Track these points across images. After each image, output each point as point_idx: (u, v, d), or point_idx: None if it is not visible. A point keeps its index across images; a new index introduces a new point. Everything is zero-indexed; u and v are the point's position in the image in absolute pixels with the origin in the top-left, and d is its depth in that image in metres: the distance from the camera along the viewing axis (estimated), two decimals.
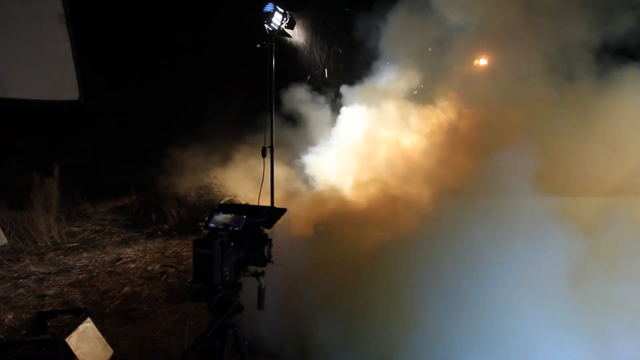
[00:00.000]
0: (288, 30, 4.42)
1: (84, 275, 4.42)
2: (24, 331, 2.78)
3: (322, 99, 6.06)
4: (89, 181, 7.11)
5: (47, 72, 1.63)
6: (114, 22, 8.87)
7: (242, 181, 6.44)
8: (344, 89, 5.95)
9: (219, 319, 1.96)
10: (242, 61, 7.23)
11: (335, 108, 6.03)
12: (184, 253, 5.02)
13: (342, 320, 2.96)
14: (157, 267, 4.59)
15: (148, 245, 5.35)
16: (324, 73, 6.13)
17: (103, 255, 4.99)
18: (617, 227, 3.06)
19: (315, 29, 5.16)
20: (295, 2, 4.55)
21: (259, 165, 4.38)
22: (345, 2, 6.04)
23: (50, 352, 2.56)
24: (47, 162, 5.87)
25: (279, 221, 2.17)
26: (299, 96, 5.90)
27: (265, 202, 4.58)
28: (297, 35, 4.78)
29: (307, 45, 5.27)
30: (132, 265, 4.65)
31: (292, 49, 5.14)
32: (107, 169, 7.87)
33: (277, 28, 4.23)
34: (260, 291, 2.07)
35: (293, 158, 6.06)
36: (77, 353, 2.63)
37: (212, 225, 2.00)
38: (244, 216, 2.02)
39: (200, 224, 5.64)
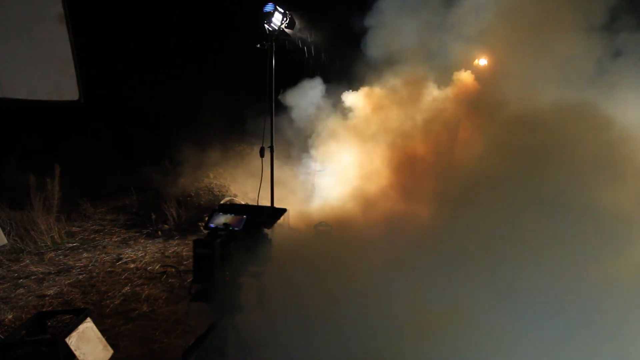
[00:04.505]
0: (288, 30, 4.42)
1: (84, 275, 4.42)
2: (24, 331, 2.78)
3: (324, 99, 6.07)
4: (89, 181, 7.10)
5: (47, 72, 1.62)
6: (114, 22, 8.87)
7: (243, 181, 6.45)
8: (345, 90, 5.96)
9: (219, 319, 1.96)
10: (244, 61, 7.23)
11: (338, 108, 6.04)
12: (184, 253, 5.01)
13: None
14: (157, 267, 4.59)
15: (148, 245, 5.35)
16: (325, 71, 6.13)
17: (103, 255, 4.99)
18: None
19: (315, 28, 5.15)
20: (295, 2, 4.55)
21: (263, 165, 4.38)
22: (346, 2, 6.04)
23: (50, 352, 2.56)
24: (47, 162, 5.87)
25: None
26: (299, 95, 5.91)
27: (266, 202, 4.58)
28: (297, 35, 4.78)
29: (308, 45, 5.26)
30: (132, 265, 4.64)
31: (292, 48, 5.14)
32: (107, 169, 7.86)
33: (277, 28, 4.23)
34: (261, 291, 2.07)
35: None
36: (77, 353, 2.63)
37: (212, 225, 2.01)
38: (244, 216, 2.02)
39: (200, 224, 5.64)
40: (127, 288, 4.11)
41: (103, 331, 3.01)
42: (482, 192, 3.69)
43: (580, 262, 2.94)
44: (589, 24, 3.96)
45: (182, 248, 5.20)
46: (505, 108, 4.13)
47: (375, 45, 5.32)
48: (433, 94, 5.52)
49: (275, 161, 4.51)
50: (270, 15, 4.12)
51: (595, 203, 3.21)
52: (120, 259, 4.85)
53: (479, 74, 5.46)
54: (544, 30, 4.12)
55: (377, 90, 5.75)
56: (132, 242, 5.46)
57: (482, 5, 4.55)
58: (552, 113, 3.81)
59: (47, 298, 3.91)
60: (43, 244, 5.15)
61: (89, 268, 4.60)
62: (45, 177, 5.64)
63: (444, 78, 5.58)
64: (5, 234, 4.76)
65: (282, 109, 5.81)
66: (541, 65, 4.16)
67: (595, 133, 3.60)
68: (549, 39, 4.13)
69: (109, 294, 4.00)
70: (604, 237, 3.08)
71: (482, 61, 5.61)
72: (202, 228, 4.94)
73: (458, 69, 5.53)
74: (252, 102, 6.02)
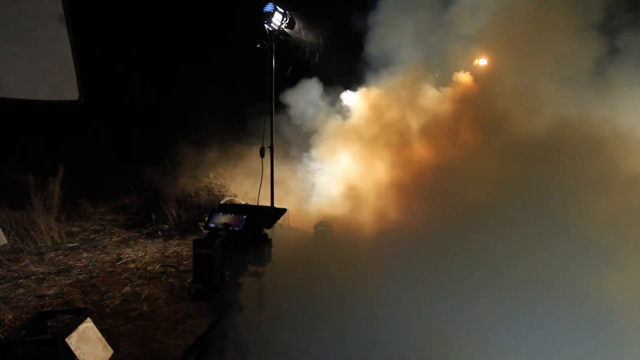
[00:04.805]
0: (288, 30, 4.42)
1: (84, 275, 4.42)
2: (24, 331, 2.78)
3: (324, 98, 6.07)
4: (89, 181, 7.11)
5: (47, 72, 1.62)
6: (114, 22, 8.87)
7: (242, 181, 6.45)
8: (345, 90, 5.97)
9: (219, 319, 1.96)
10: (244, 61, 7.22)
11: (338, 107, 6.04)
12: (184, 253, 5.01)
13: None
14: (157, 267, 4.59)
15: (148, 245, 5.35)
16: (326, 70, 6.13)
17: (103, 255, 4.99)
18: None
19: (315, 28, 5.15)
20: (295, 2, 4.55)
21: (261, 165, 4.38)
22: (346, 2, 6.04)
23: (50, 352, 2.56)
24: (47, 162, 5.87)
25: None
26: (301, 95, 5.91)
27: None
28: (297, 35, 4.78)
29: (308, 45, 5.26)
30: (132, 265, 4.65)
31: (292, 50, 5.15)
32: (107, 169, 7.86)
33: (277, 28, 4.23)
34: (261, 291, 2.07)
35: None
36: (77, 353, 2.63)
37: (212, 225, 2.01)
38: (244, 216, 2.02)
39: (200, 224, 5.64)
40: (127, 288, 4.11)
41: (103, 331, 3.01)
42: (482, 197, 3.69)
43: (585, 278, 2.92)
44: (590, 23, 3.96)
45: (182, 248, 5.20)
46: (506, 115, 4.13)
47: (375, 45, 5.33)
48: (432, 95, 5.52)
49: (275, 161, 4.51)
50: (270, 15, 4.11)
51: (598, 215, 3.20)
52: (120, 259, 4.85)
53: (479, 74, 5.46)
54: (544, 30, 4.12)
55: (377, 91, 5.75)
56: (132, 242, 5.46)
57: (482, 5, 4.55)
58: (553, 123, 3.82)
59: (47, 298, 3.91)
60: (43, 244, 5.15)
61: (89, 268, 4.60)
62: (46, 177, 5.64)
63: (444, 79, 5.58)
64: (5, 234, 4.76)
65: (282, 108, 5.81)
66: (540, 65, 4.16)
67: (598, 144, 3.59)
68: (549, 39, 4.13)
69: (109, 294, 4.00)
70: (607, 252, 3.06)
71: (482, 61, 5.60)
72: (202, 228, 4.94)
73: (458, 70, 5.53)
74: (252, 102, 6.02)
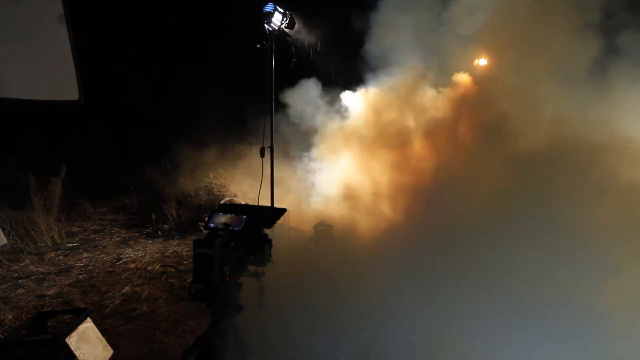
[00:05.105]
0: (288, 30, 4.42)
1: (84, 275, 4.42)
2: (24, 331, 2.78)
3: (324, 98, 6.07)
4: (89, 181, 7.11)
5: (47, 72, 1.62)
6: (114, 21, 8.87)
7: (242, 181, 6.45)
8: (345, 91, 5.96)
9: (219, 319, 1.96)
10: (244, 61, 7.22)
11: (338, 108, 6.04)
12: (184, 253, 5.01)
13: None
14: (157, 267, 4.59)
15: (148, 245, 5.35)
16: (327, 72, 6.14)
17: (103, 255, 4.99)
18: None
19: (315, 28, 5.15)
20: (295, 2, 4.55)
21: (261, 165, 4.38)
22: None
23: (50, 352, 2.56)
24: (47, 162, 5.87)
25: None
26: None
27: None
28: (297, 35, 4.78)
29: (308, 45, 5.27)
30: (132, 265, 4.64)
31: (292, 48, 5.15)
32: (107, 169, 7.86)
33: (277, 28, 4.23)
34: (261, 291, 2.07)
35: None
36: (77, 353, 2.63)
37: (212, 225, 2.00)
38: (244, 216, 2.02)
39: (200, 224, 5.64)
40: (127, 288, 4.10)
41: (103, 331, 3.01)
42: (482, 197, 3.69)
43: (587, 281, 2.91)
44: (591, 23, 3.95)
45: (182, 248, 5.20)
46: (506, 117, 4.13)
47: (375, 45, 5.33)
48: (432, 95, 5.52)
49: (275, 161, 4.51)
50: (270, 15, 4.11)
51: (599, 218, 3.19)
52: (120, 259, 4.85)
53: (479, 74, 5.45)
54: (544, 30, 4.11)
55: (376, 91, 5.75)
56: (132, 242, 5.46)
57: (481, 5, 4.55)
58: (554, 127, 3.82)
59: (47, 298, 3.91)
60: (43, 244, 5.15)
61: (89, 268, 4.60)
62: (46, 177, 5.63)
63: (443, 79, 5.57)
64: (5, 234, 4.76)
65: (282, 108, 5.81)
66: (540, 65, 4.16)
67: (599, 148, 3.59)
68: (548, 38, 4.12)
69: (109, 294, 4.00)
70: (607, 254, 3.05)
71: (482, 61, 5.59)
72: (202, 228, 4.94)
73: (458, 70, 5.53)
74: (252, 102, 6.03)
